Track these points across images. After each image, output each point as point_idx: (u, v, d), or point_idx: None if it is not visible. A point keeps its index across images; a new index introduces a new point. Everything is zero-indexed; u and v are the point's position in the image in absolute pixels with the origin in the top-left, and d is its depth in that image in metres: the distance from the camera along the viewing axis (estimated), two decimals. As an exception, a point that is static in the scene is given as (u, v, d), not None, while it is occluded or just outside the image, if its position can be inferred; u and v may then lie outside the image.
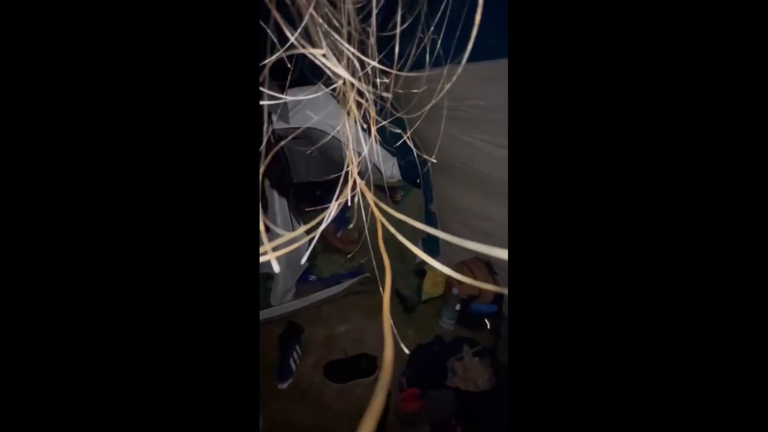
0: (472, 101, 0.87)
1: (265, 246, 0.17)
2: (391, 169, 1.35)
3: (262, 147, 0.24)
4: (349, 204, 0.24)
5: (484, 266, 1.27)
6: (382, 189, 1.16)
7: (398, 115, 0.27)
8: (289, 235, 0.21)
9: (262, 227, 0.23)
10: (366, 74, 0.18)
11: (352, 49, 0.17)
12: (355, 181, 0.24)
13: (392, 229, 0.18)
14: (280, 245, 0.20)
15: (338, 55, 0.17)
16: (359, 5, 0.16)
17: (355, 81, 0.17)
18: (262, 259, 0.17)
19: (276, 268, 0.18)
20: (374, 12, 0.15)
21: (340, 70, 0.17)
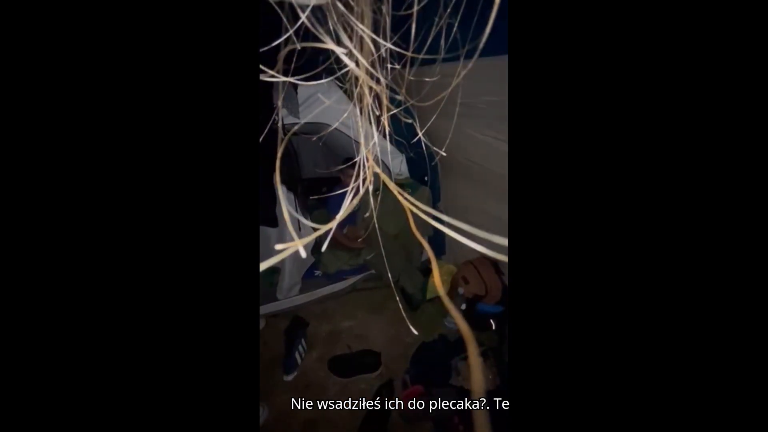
0: (486, 97, 0.85)
1: (297, 241, 0.17)
2: (399, 165, 1.34)
3: (279, 144, 0.23)
4: (361, 191, 0.24)
5: (490, 266, 1.25)
6: None
7: (411, 102, 0.26)
8: (322, 230, 0.21)
9: (286, 215, 0.23)
10: (380, 57, 0.18)
11: (366, 30, 0.16)
12: (368, 171, 0.24)
13: (421, 214, 0.18)
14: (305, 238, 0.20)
15: (350, 33, 0.16)
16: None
17: (368, 65, 0.17)
18: (290, 249, 0.17)
19: (303, 254, 0.18)
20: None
21: (357, 56, 0.17)
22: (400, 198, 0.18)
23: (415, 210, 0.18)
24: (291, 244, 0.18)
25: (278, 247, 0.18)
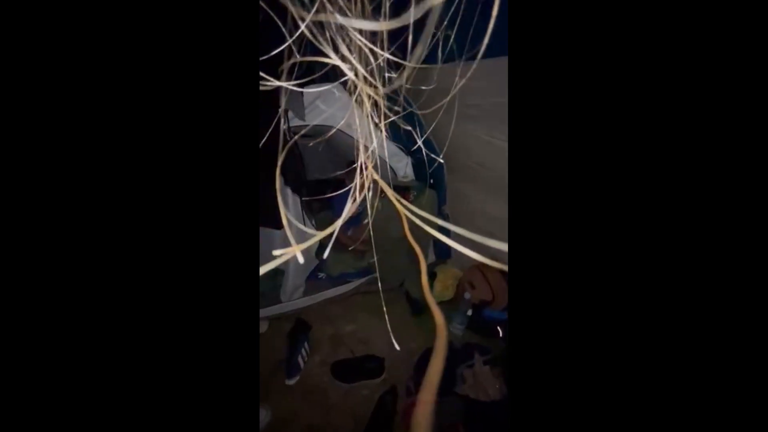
0: (492, 99, 0.84)
1: (294, 247, 0.18)
2: (404, 168, 1.34)
3: (281, 146, 0.24)
4: (358, 198, 0.24)
5: (498, 271, 1.23)
6: (394, 188, 1.16)
7: (410, 109, 0.26)
8: (319, 235, 0.21)
9: (285, 221, 0.23)
10: (378, 66, 0.18)
11: (363, 40, 0.16)
12: (367, 177, 0.24)
13: (417, 221, 0.18)
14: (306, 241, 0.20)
15: (350, 44, 0.16)
16: (372, -5, 0.16)
17: (366, 73, 0.17)
18: (287, 255, 0.17)
19: (301, 259, 0.19)
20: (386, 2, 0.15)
21: (356, 66, 0.17)
22: (396, 204, 0.18)
23: (409, 216, 0.18)
24: (288, 250, 0.18)
25: (276, 252, 0.18)
